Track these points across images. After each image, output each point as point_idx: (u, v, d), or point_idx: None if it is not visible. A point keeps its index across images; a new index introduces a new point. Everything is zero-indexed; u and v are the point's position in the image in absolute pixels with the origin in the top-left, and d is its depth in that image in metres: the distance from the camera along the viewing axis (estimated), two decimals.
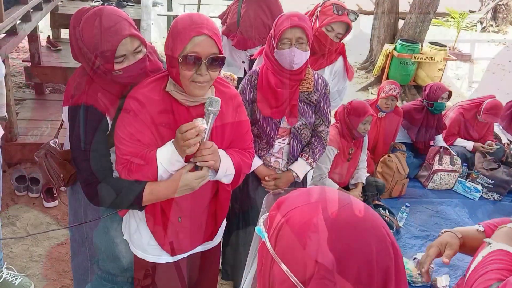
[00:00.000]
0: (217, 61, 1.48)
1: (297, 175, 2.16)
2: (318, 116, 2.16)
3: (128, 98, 1.55)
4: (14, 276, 2.48)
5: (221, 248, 2.05)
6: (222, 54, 1.48)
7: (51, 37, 4.72)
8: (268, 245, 0.74)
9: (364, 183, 3.59)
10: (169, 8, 7.54)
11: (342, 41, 2.44)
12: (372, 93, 6.34)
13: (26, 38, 3.91)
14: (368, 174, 3.70)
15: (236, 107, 1.69)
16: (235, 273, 2.53)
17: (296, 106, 2.04)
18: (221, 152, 1.62)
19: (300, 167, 2.16)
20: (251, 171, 2.13)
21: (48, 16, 4.46)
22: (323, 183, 3.37)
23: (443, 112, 4.37)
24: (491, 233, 1.61)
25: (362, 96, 6.10)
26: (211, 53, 1.45)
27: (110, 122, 1.63)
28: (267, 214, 0.81)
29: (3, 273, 2.47)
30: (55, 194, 3.21)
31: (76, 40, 1.55)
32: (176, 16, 1.79)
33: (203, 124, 1.45)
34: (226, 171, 1.63)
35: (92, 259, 1.96)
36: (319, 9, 2.33)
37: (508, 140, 4.86)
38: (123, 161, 1.55)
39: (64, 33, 5.31)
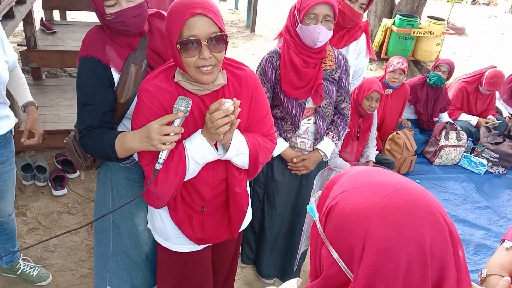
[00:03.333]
0: (220, 40, 1.36)
1: (325, 154, 2.13)
2: (340, 93, 2.12)
3: (139, 90, 1.50)
4: (32, 268, 2.43)
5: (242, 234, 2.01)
6: (223, 31, 1.37)
7: (44, 19, 4.56)
8: (318, 226, 0.72)
9: (374, 161, 3.58)
10: None
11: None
12: (371, 69, 6.30)
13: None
14: (377, 152, 3.70)
15: (253, 89, 1.58)
16: (257, 256, 2.51)
17: (321, 85, 1.99)
18: (235, 132, 1.50)
19: (327, 146, 2.12)
20: (277, 154, 2.09)
21: None
22: (334, 163, 3.36)
23: (446, 86, 4.37)
24: None
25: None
26: (211, 32, 1.34)
27: (117, 76, 1.59)
28: (320, 192, 0.78)
29: (20, 265, 2.42)
30: (64, 181, 3.14)
31: None
32: None
33: (231, 106, 1.37)
34: (238, 150, 1.51)
35: (116, 245, 1.92)
36: None
37: (509, 113, 4.89)
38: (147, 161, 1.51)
39: (57, 15, 5.15)
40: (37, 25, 4.21)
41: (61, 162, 3.33)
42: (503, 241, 1.62)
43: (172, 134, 1.39)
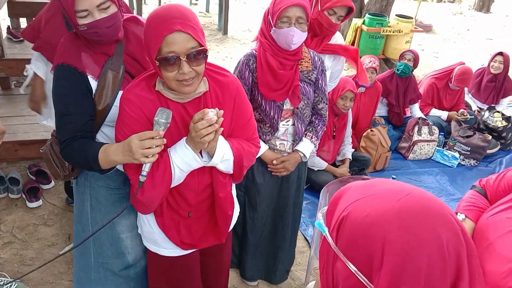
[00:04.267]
0: (199, 55, 1.36)
1: (304, 155, 2.15)
2: (317, 94, 2.14)
3: (121, 100, 1.48)
4: (9, 283, 2.36)
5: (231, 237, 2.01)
6: (202, 45, 1.36)
7: (11, 27, 4.44)
8: (330, 240, 0.72)
9: (351, 158, 3.64)
10: None
11: None
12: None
13: None
14: (353, 150, 3.75)
15: (235, 94, 1.58)
16: (241, 260, 2.51)
17: (298, 87, 2.01)
18: (219, 138, 1.52)
19: (306, 147, 2.14)
20: (257, 155, 2.10)
21: (5, 6, 4.18)
22: (312, 162, 3.40)
23: (414, 77, 4.47)
24: (474, 216, 1.67)
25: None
26: (190, 48, 1.34)
27: (95, 83, 1.58)
28: (326, 208, 0.78)
29: None
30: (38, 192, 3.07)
31: None
32: None
33: (214, 116, 1.38)
34: (224, 155, 1.52)
35: (97, 256, 1.89)
36: None
37: (477, 107, 5.04)
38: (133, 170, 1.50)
39: (24, 23, 5.02)
40: (4, 34, 4.09)
41: (34, 173, 3.25)
42: (456, 214, 1.67)
43: (154, 146, 1.38)
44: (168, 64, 1.34)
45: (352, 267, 0.67)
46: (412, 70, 4.30)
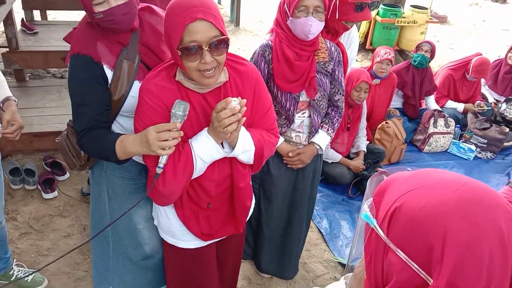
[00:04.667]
0: (221, 44, 1.35)
1: (320, 147, 2.13)
2: (334, 85, 2.11)
3: (141, 90, 1.47)
4: (26, 273, 2.39)
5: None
6: (225, 34, 1.35)
7: (25, 20, 4.46)
8: (380, 232, 0.70)
9: (365, 151, 3.60)
10: None
11: None
12: (356, 60, 6.31)
13: None
14: (368, 142, 3.71)
15: (255, 84, 1.57)
16: (255, 252, 2.50)
17: (315, 78, 1.98)
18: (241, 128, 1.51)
19: (322, 139, 2.12)
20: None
21: None
22: (326, 154, 3.37)
23: (431, 69, 4.40)
24: None
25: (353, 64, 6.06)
26: (212, 37, 1.32)
27: (110, 73, 1.57)
28: (372, 199, 0.76)
29: (14, 271, 2.37)
30: (54, 183, 3.09)
31: None
32: None
33: (237, 105, 1.36)
34: (245, 147, 1.51)
35: (115, 245, 1.90)
36: None
37: (494, 99, 4.95)
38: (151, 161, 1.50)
39: (37, 15, 5.05)
40: (18, 26, 4.12)
41: (50, 164, 3.28)
42: None
43: (171, 138, 1.37)
44: (190, 54, 1.33)
45: (408, 259, 0.65)
46: (429, 62, 4.23)
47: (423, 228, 0.64)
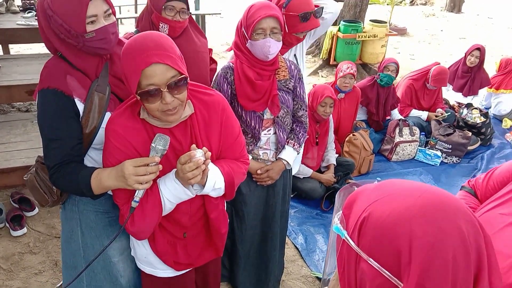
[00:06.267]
0: (180, 83, 1.34)
1: (288, 163, 2.16)
2: (296, 102, 2.16)
3: (106, 131, 1.46)
4: None
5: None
6: (182, 73, 1.33)
7: None
8: (351, 242, 0.72)
9: (335, 164, 3.66)
10: None
11: None
12: (322, 76, 6.46)
13: None
14: (337, 155, 3.78)
15: (221, 114, 1.56)
16: (232, 273, 2.49)
17: (277, 96, 2.03)
18: (210, 165, 1.48)
19: (289, 154, 2.16)
20: None
21: None
22: (297, 170, 3.40)
23: (394, 85, 4.55)
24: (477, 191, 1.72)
25: (313, 80, 6.19)
26: (169, 78, 1.31)
27: (82, 105, 1.55)
28: (341, 212, 0.79)
29: None
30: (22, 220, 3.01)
31: (44, 11, 1.49)
32: None
33: (201, 157, 1.36)
34: (215, 184, 1.49)
35: (89, 280, 1.86)
36: (283, 11, 2.23)
37: (455, 102, 5.15)
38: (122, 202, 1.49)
39: None
40: None
41: (17, 200, 3.20)
42: None
43: (149, 173, 1.36)
44: (149, 97, 1.32)
45: (378, 266, 0.67)
46: (394, 80, 4.37)
47: (390, 234, 0.67)
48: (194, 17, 6.59)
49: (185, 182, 1.40)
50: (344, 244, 0.74)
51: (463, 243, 0.65)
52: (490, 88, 5.30)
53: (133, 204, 1.39)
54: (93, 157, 1.67)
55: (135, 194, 1.39)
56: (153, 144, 1.36)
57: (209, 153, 1.39)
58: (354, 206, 0.75)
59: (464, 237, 0.66)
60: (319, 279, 2.81)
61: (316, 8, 2.25)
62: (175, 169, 1.44)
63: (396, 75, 4.37)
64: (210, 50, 2.44)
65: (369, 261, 0.69)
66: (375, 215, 0.70)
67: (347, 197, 0.81)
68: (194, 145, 1.37)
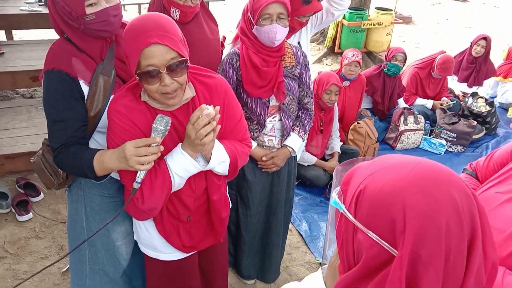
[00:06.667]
0: (180, 66, 1.34)
1: (293, 150, 2.17)
2: (302, 89, 2.16)
3: (109, 111, 1.46)
4: None
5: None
6: (183, 56, 1.33)
7: None
8: (348, 214, 0.74)
9: (340, 152, 3.66)
10: None
11: None
12: (326, 64, 6.42)
13: None
14: (341, 143, 3.78)
15: (224, 96, 1.56)
16: (236, 259, 2.51)
17: (283, 83, 2.02)
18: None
19: (294, 141, 2.16)
20: None
21: None
22: (302, 157, 3.41)
23: (400, 74, 4.52)
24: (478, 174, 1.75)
25: (317, 68, 6.15)
26: (169, 59, 1.31)
27: (86, 88, 1.56)
28: (339, 188, 0.81)
29: None
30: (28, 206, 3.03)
31: None
32: None
33: (212, 111, 1.36)
34: (220, 158, 1.51)
35: (92, 263, 1.88)
36: None
37: (460, 91, 5.12)
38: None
39: (3, 36, 4.97)
40: None
41: (23, 186, 3.21)
42: None
43: (150, 154, 1.36)
44: (148, 78, 1.32)
45: (374, 235, 0.69)
46: (401, 70, 4.34)
47: (385, 205, 0.69)
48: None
49: (197, 147, 1.39)
50: (342, 217, 0.77)
51: (456, 211, 0.67)
52: (498, 76, 5.26)
53: (135, 185, 1.40)
54: (98, 141, 1.67)
55: (137, 175, 1.40)
56: (154, 125, 1.37)
57: (218, 108, 1.38)
58: (352, 181, 0.77)
59: (457, 206, 0.67)
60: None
61: None
62: (180, 143, 1.45)
63: (404, 65, 4.35)
64: (224, 37, 2.42)
65: (365, 231, 0.71)
66: (371, 187, 0.72)
67: (344, 173, 0.83)
68: (203, 104, 1.37)
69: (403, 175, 0.70)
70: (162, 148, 1.38)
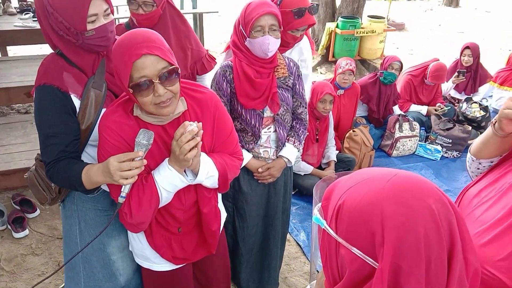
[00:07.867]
0: (172, 75, 1.36)
1: (289, 160, 2.16)
2: (296, 99, 2.16)
3: (100, 127, 1.47)
4: None
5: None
6: (173, 64, 1.36)
7: None
8: (330, 230, 0.75)
9: (336, 160, 3.66)
10: None
11: None
12: (321, 73, 6.45)
13: None
14: (337, 152, 3.78)
15: (214, 110, 1.58)
16: (234, 271, 2.49)
17: (277, 93, 2.02)
18: (202, 155, 1.52)
19: (290, 152, 2.16)
20: (242, 166, 2.10)
21: None
22: (298, 167, 3.41)
23: (395, 84, 4.54)
24: None
25: (311, 77, 6.17)
26: (160, 69, 1.33)
27: (78, 102, 1.57)
28: (320, 204, 0.82)
29: None
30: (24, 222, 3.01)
31: (43, 7, 1.50)
32: None
33: (195, 127, 1.37)
34: (208, 172, 1.52)
35: (87, 280, 1.86)
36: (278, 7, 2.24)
37: (452, 97, 5.14)
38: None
39: None
40: None
41: (19, 202, 3.20)
42: None
43: (134, 168, 1.37)
44: (142, 89, 1.33)
45: (355, 250, 0.70)
46: (396, 78, 4.36)
47: (363, 218, 0.70)
48: (191, 15, 6.62)
49: (182, 162, 1.40)
50: (325, 234, 0.77)
51: (433, 219, 0.68)
52: (494, 82, 5.28)
53: (120, 200, 1.41)
54: (90, 154, 1.68)
55: (122, 189, 1.41)
56: (137, 139, 1.38)
57: (200, 124, 1.40)
58: (332, 196, 0.78)
59: (434, 214, 0.68)
60: None
61: (311, 5, 2.24)
62: (167, 158, 1.46)
63: (399, 74, 4.37)
64: (206, 50, 2.47)
65: (347, 246, 0.71)
66: (349, 201, 0.73)
67: (324, 190, 0.84)
68: (186, 121, 1.38)
69: (380, 187, 0.71)
70: (145, 162, 1.39)
